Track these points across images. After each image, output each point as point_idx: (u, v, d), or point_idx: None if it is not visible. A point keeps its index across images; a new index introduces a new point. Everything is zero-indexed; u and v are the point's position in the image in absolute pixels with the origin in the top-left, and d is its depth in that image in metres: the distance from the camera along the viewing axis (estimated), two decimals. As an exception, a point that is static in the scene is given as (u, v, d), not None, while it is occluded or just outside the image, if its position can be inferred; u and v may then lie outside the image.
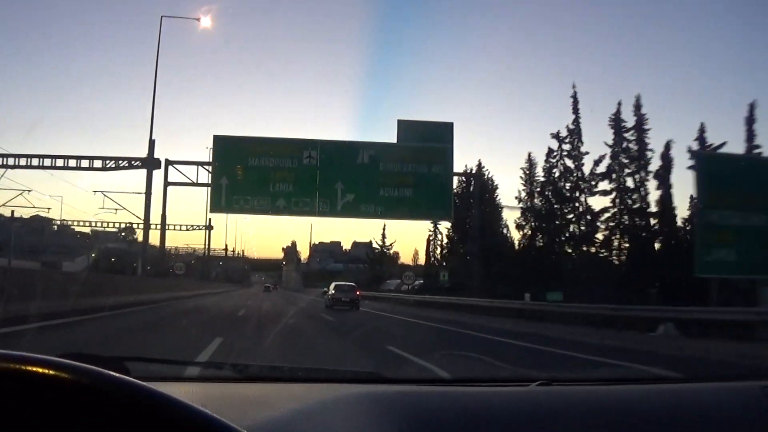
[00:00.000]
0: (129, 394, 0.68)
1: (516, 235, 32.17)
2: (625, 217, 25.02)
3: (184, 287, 36.78)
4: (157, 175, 28.81)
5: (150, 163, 28.19)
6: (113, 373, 0.71)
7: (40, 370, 0.68)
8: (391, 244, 74.45)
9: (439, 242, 52.56)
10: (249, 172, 28.07)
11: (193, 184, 29.10)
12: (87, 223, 66.46)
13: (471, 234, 30.51)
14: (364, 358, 9.74)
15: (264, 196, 27.99)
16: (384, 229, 73.07)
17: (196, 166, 29.10)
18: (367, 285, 52.73)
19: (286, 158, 28.34)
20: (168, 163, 28.88)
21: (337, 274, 69.78)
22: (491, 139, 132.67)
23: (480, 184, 31.18)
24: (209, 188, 28.13)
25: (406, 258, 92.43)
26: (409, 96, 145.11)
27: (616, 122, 25.63)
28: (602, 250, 26.45)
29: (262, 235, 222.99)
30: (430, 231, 53.62)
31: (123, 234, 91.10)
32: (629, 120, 25.96)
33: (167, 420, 0.67)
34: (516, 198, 30.91)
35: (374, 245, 74.45)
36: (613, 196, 25.35)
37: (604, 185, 26.87)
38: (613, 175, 25.43)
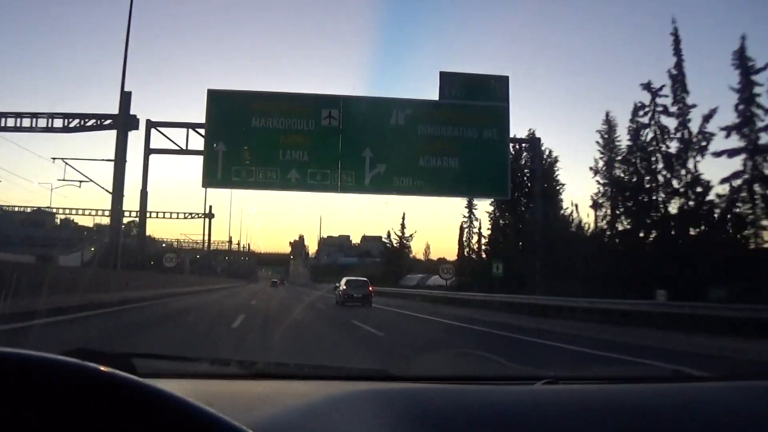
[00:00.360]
0: (132, 393, 0.68)
1: (586, 217, 25.73)
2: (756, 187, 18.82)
3: (176, 283, 30.93)
4: (136, 139, 22.79)
5: (124, 121, 21.97)
6: (118, 372, 0.70)
7: (45, 369, 0.68)
8: (411, 236, 67.56)
9: (475, 230, 46.53)
10: (252, 137, 22.02)
11: (181, 151, 23.03)
12: (80, 211, 61.59)
13: (532, 216, 24.24)
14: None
15: (271, 166, 21.93)
16: (404, 218, 66.56)
17: (185, 129, 23.01)
18: (382, 280, 47.12)
19: (300, 119, 22.26)
20: (150, 125, 22.82)
21: (348, 268, 63.68)
22: (548, 101, 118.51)
23: (540, 155, 25.00)
24: (202, 157, 22.07)
25: (415, 252, 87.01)
26: (451, 44, 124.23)
27: (741, 61, 19.33)
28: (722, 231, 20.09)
29: (268, 228, 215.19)
30: (464, 217, 47.36)
31: (123, 227, 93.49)
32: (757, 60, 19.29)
33: (171, 419, 0.67)
34: (591, 169, 24.85)
35: (392, 237, 67.82)
36: (742, 158, 19.16)
37: (720, 144, 20.13)
38: (738, 132, 19.13)
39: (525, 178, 27.64)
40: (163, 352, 2.18)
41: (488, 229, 34.41)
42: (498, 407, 1.50)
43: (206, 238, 55.76)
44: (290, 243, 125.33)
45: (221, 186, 23.35)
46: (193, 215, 53.67)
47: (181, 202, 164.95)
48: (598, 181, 24.92)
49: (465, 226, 47.11)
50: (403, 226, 66.39)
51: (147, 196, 23.12)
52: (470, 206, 45.77)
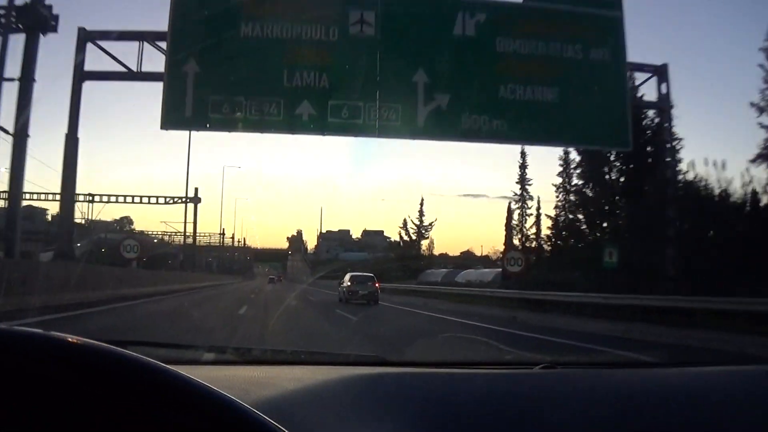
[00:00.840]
0: (142, 373, 0.69)
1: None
2: None
3: (143, 281, 23.06)
4: (60, 58, 14.82)
5: (33, 15, 13.85)
6: (132, 353, 0.71)
7: (59, 349, 0.68)
8: (431, 224, 58.95)
9: (528, 212, 39.09)
10: (242, 51, 14.00)
11: (132, 75, 14.98)
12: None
13: (664, 183, 16.06)
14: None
15: (271, 96, 13.94)
16: (422, 204, 58.31)
17: (138, 42, 14.97)
18: (394, 276, 39.73)
19: (316, 24, 14.26)
20: (86, 36, 14.75)
21: (354, 264, 56.17)
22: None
23: (668, 90, 17.08)
24: (163, 83, 14.02)
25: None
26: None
27: None
28: None
29: (264, 223, 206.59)
30: (514, 195, 39.26)
31: (116, 225, 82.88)
32: None
33: (176, 398, 0.68)
34: (755, 106, 17.21)
35: (409, 226, 59.51)
36: None
37: None
38: None
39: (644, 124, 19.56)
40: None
41: (558, 205, 26.71)
42: (496, 392, 1.53)
43: (191, 227, 47.63)
44: (288, 238, 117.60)
45: (192, 127, 15.15)
46: (175, 200, 45.62)
47: (161, 184, 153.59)
48: (762, 123, 17.15)
49: (515, 206, 39.13)
50: (421, 213, 57.27)
51: (78, 146, 14.94)
52: (523, 181, 38.05)
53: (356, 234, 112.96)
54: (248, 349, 2.32)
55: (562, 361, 2.01)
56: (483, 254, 61.62)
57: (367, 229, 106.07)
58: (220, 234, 73.08)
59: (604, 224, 22.33)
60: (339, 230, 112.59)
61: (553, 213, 27.73)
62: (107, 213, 73.58)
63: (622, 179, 21.56)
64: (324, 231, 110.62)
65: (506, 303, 20.49)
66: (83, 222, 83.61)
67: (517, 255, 22.16)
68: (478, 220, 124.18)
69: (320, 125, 14.15)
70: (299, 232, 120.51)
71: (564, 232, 25.23)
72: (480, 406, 1.43)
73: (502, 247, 39.69)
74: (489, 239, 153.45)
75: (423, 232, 58.38)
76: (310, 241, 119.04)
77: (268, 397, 1.26)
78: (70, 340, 0.70)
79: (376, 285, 25.62)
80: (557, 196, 27.12)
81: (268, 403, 1.21)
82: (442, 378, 1.65)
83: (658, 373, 1.95)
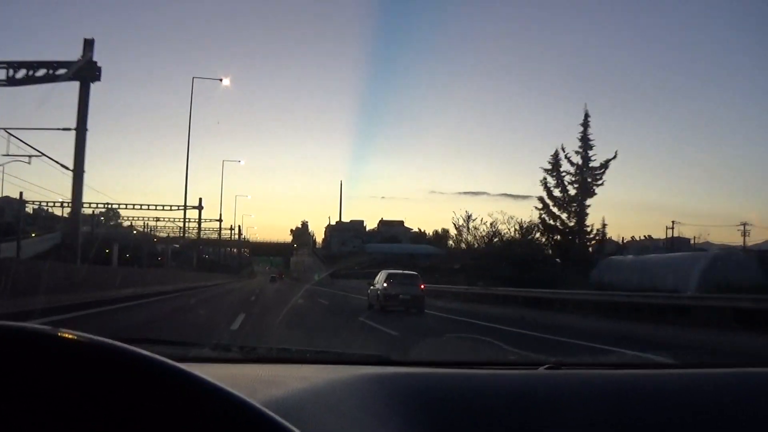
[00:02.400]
0: (151, 370, 0.70)
1: None
2: None
3: (84, 284, 16.16)
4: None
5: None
6: (142, 351, 0.71)
7: (67, 344, 0.69)
8: (606, 164, 32.11)
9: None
10: None
11: None
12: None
13: None
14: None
15: None
16: (587, 119, 32.35)
17: None
18: (515, 278, 26.94)
19: None
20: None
21: (399, 258, 47.27)
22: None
23: None
24: None
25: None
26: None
27: None
28: None
29: (265, 219, 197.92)
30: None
31: (102, 217, 78.24)
32: None
33: (189, 396, 0.69)
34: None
35: (565, 161, 35.71)
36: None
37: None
38: None
39: None
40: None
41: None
42: (500, 392, 1.52)
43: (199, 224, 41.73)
44: (291, 231, 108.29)
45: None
46: (179, 207, 40.28)
47: (159, 186, 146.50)
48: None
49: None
50: (585, 140, 30.42)
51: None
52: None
53: (370, 225, 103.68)
54: (253, 347, 2.24)
55: (567, 362, 1.98)
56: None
57: (385, 218, 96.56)
58: (217, 230, 65.91)
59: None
60: (351, 221, 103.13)
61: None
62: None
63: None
64: (333, 223, 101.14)
65: None
66: (68, 216, 76.41)
67: None
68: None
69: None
70: (305, 224, 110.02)
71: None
72: (484, 406, 1.43)
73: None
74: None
75: (590, 181, 31.18)
76: (317, 235, 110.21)
77: (275, 396, 1.26)
78: (79, 337, 0.70)
79: (422, 287, 20.53)
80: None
81: (275, 402, 1.20)
82: (447, 378, 1.65)
83: (666, 374, 1.94)
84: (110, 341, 0.71)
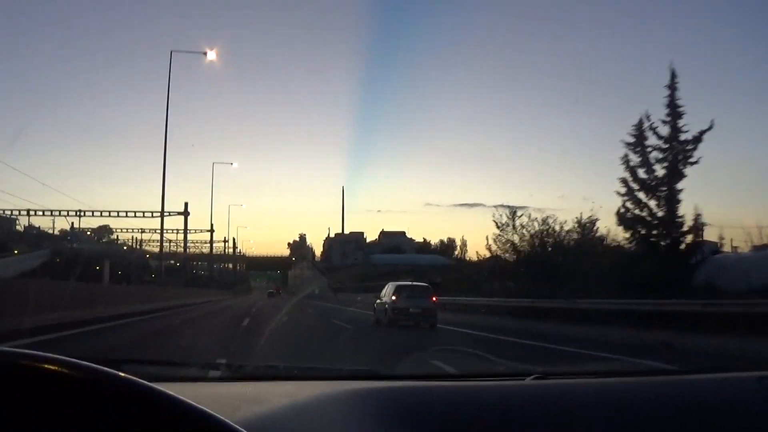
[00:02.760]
0: (128, 391, 0.69)
1: None
2: None
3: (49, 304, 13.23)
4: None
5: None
6: (114, 371, 0.71)
7: (45, 366, 0.69)
8: (701, 135, 23.99)
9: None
10: None
11: None
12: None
13: None
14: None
15: None
16: (674, 82, 24.62)
17: None
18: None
19: None
20: None
21: (420, 267, 43.00)
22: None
23: None
24: None
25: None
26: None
27: None
28: None
29: (260, 233, 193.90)
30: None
31: (91, 233, 77.73)
32: None
33: (163, 416, 0.69)
34: None
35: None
36: None
37: None
38: None
39: None
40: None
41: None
42: (488, 403, 1.49)
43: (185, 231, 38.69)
44: (289, 244, 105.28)
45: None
46: (164, 213, 37.25)
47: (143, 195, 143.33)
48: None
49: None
50: (674, 105, 23.93)
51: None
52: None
53: (369, 238, 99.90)
54: (240, 365, 2.30)
55: (554, 371, 1.97)
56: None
57: (386, 230, 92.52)
58: (209, 242, 62.53)
59: None
60: (351, 233, 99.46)
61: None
62: (86, 222, 64.61)
63: None
64: (332, 235, 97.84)
65: None
66: (58, 233, 73.93)
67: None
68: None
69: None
70: (302, 237, 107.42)
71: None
72: (473, 418, 1.41)
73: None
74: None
75: (681, 159, 23.85)
76: (316, 249, 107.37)
77: (257, 414, 1.24)
78: (49, 359, 0.69)
79: (434, 299, 19.12)
80: None
81: (258, 420, 1.19)
82: (433, 391, 1.63)
83: (651, 381, 1.93)
84: (81, 362, 0.69)
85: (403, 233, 75.40)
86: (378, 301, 20.33)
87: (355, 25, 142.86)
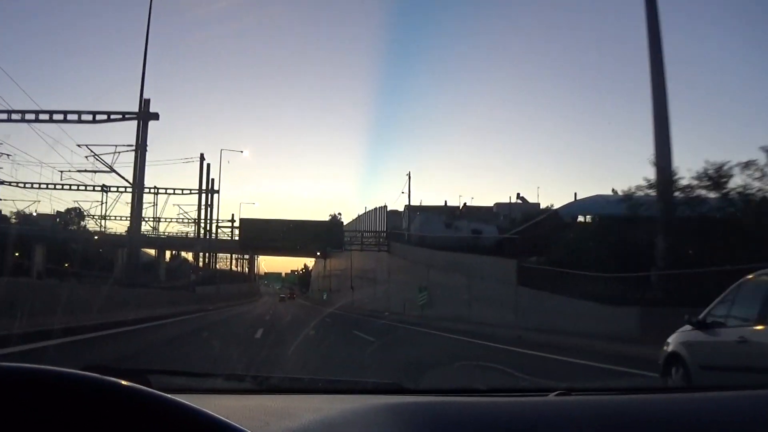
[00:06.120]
0: (155, 406, 0.69)
1: None
2: None
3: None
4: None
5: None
6: (139, 386, 0.72)
7: (65, 383, 0.68)
8: None
9: None
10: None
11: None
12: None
13: None
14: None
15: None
16: None
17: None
18: None
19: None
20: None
21: None
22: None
23: None
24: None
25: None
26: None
27: None
28: None
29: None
30: None
31: (60, 220, 59.09)
32: None
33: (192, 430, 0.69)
34: None
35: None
36: None
37: None
38: None
39: None
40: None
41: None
42: (511, 419, 1.49)
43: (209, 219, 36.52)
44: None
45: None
46: (186, 191, 34.38)
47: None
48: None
49: None
50: None
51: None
52: None
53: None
54: (266, 377, 2.32)
55: (578, 387, 1.97)
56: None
57: (467, 203, 72.26)
58: (206, 230, 50.03)
59: None
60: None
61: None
62: (51, 204, 53.89)
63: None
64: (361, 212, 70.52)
65: None
66: (10, 215, 54.68)
67: None
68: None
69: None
70: (335, 217, 67.83)
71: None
72: None
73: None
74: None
75: None
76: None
77: (289, 429, 1.26)
78: (68, 373, 0.69)
79: None
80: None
81: None
82: (459, 406, 1.63)
83: (675, 398, 1.91)
84: (105, 378, 0.69)
85: (491, 208, 57.74)
86: (682, 331, 7.68)
87: (366, 34, 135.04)
